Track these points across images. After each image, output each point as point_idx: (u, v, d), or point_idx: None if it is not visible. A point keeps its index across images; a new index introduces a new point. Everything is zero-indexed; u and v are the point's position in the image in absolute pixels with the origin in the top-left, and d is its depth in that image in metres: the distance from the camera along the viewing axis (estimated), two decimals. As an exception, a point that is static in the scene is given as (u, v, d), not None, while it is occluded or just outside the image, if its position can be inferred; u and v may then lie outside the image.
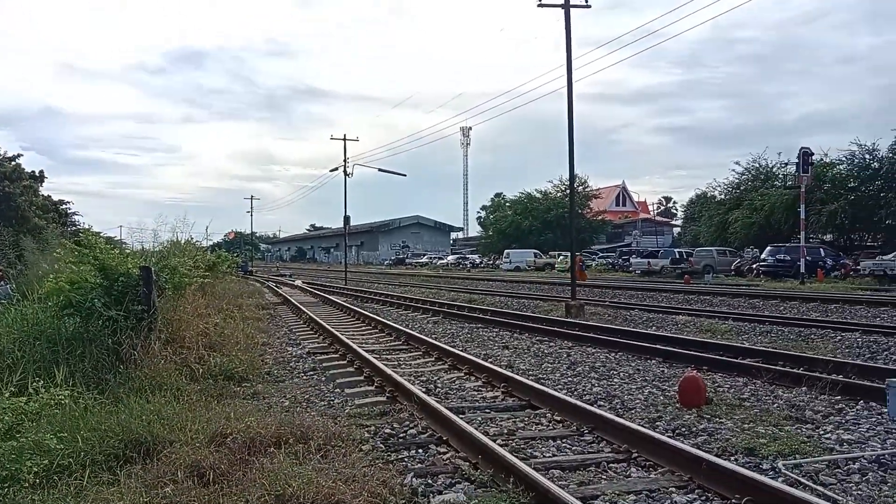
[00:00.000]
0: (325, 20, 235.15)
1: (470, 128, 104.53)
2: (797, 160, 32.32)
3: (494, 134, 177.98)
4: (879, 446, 5.23)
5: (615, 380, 8.26)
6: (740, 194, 48.85)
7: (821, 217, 39.08)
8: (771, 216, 42.43)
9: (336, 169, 39.79)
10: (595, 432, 5.67)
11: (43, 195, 50.37)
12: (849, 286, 26.91)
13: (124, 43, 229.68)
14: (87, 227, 31.86)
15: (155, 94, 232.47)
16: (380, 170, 40.42)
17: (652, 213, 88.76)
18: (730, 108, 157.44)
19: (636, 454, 5.05)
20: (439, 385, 8.01)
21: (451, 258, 73.57)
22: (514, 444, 5.45)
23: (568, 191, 28.02)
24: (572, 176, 19.54)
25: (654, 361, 9.40)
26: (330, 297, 23.84)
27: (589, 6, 17.93)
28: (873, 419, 6.06)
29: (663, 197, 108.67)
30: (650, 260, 43.79)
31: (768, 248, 35.68)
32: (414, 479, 4.57)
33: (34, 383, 6.15)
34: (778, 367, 8.17)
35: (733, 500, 4.06)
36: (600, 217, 70.50)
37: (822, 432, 5.66)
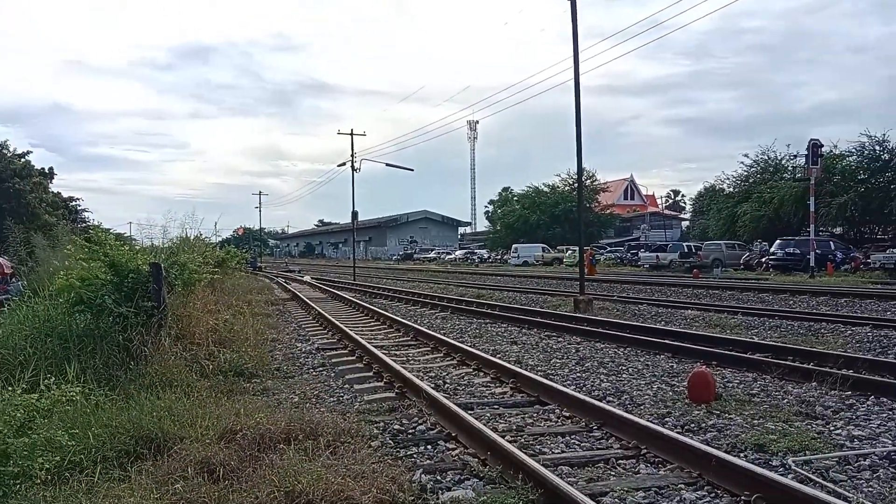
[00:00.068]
0: (331, 15, 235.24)
1: (477, 121, 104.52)
2: (806, 152, 31.95)
3: (500, 128, 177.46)
4: (890, 442, 5.20)
5: (624, 375, 8.24)
6: (749, 187, 48.28)
7: (830, 210, 38.66)
8: (780, 209, 41.93)
9: (344, 164, 39.86)
10: (604, 428, 5.67)
11: (53, 192, 50.78)
12: (859, 280, 26.72)
13: (132, 39, 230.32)
14: (96, 223, 32.09)
15: (164, 90, 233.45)
16: (387, 164, 40.53)
17: (660, 206, 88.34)
18: (739, 99, 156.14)
19: (645, 450, 5.04)
20: (448, 381, 8.02)
21: (459, 253, 73.59)
22: (522, 440, 5.46)
23: (576, 184, 27.96)
24: (580, 170, 19.51)
25: (663, 357, 9.38)
26: (339, 292, 23.90)
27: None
28: (884, 415, 6.01)
29: (672, 190, 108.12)
30: (659, 254, 43.71)
31: (777, 241, 35.40)
32: (423, 476, 4.58)
33: (46, 380, 6.19)
34: (788, 363, 8.13)
35: (743, 498, 4.04)
36: (609, 211, 70.22)
37: (832, 428, 5.63)
